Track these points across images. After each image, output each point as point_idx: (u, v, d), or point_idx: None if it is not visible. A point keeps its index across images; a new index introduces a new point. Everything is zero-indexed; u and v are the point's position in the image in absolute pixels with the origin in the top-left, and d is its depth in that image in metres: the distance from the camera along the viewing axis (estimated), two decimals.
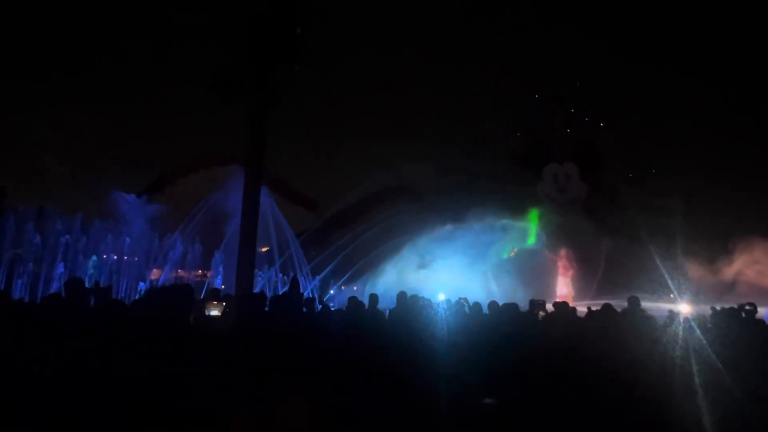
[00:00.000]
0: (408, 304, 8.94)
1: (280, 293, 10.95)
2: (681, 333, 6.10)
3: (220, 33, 8.45)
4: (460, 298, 8.70)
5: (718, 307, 7.89)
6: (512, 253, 33.31)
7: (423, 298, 10.19)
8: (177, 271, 23.11)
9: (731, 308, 7.09)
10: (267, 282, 24.26)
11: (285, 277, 22.75)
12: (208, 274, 24.56)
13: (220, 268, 23.38)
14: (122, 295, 15.77)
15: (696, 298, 22.98)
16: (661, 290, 26.03)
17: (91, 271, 17.75)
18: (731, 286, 31.23)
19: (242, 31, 8.20)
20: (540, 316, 6.90)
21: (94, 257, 18.62)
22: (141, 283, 19.14)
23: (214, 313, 6.62)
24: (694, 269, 35.36)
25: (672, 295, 25.60)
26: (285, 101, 9.09)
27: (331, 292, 27.15)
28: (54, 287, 14.81)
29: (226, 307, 6.64)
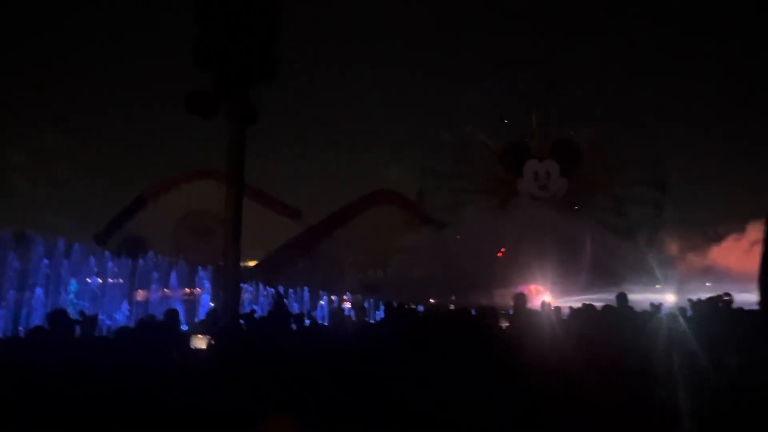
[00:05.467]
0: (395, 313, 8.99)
1: (266, 313, 10.90)
2: (663, 325, 6.22)
3: (196, 55, 8.49)
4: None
5: (695, 298, 8.05)
6: (499, 254, 33.60)
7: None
8: (163, 291, 22.74)
9: (709, 298, 7.25)
10: (254, 297, 24.06)
11: (272, 291, 22.60)
12: (196, 292, 24.24)
13: (207, 285, 23.10)
14: (108, 322, 15.53)
15: (682, 288, 23.18)
16: (648, 281, 26.18)
17: (71, 296, 17.40)
18: (716, 273, 31.57)
19: (218, 53, 8.26)
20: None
21: (74, 281, 18.23)
22: (124, 304, 18.83)
23: (200, 345, 6.59)
24: (681, 258, 35.80)
25: (658, 286, 25.84)
26: (261, 118, 9.17)
27: (321, 303, 27.00)
28: (37, 315, 14.51)
29: (210, 340, 6.59)
